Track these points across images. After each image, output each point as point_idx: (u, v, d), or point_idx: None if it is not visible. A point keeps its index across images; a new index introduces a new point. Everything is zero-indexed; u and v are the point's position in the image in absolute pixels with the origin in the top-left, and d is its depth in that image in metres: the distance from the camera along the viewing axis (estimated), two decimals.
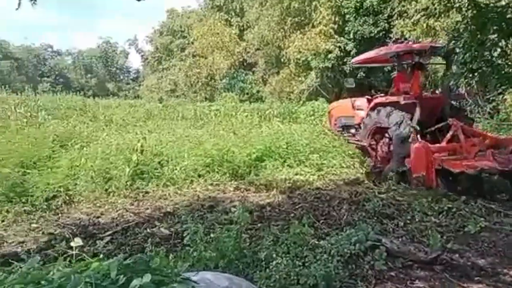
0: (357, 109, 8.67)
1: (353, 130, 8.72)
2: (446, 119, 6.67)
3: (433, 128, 6.87)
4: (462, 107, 7.67)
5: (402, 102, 6.97)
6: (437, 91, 8.54)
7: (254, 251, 3.43)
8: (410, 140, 6.41)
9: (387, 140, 7.35)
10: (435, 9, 6.88)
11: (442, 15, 7.39)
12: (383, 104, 7.37)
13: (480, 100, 12.47)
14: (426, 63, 7.86)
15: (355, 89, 9.43)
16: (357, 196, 5.46)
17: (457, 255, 3.48)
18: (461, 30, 6.33)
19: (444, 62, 7.79)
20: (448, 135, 6.26)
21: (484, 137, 6.39)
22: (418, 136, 6.44)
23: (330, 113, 10.20)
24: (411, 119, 6.72)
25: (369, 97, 8.34)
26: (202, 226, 3.70)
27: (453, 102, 7.44)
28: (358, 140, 8.09)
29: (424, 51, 7.41)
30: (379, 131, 7.54)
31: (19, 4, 3.75)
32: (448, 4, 6.49)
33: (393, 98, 7.32)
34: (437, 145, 6.15)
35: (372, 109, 7.64)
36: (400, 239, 3.85)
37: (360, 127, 8.26)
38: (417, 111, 6.81)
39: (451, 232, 4.16)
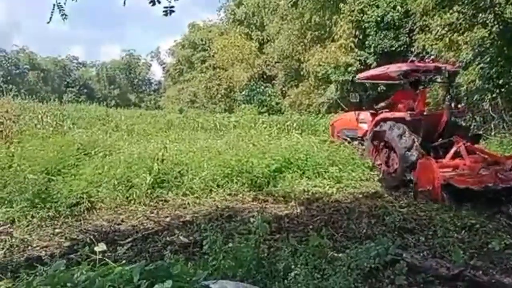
0: (361, 122, 8.98)
1: (356, 142, 8.93)
2: (448, 135, 7.07)
3: (436, 144, 7.22)
4: (463, 125, 8.09)
5: (408, 119, 7.26)
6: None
7: (272, 262, 3.42)
8: (414, 151, 6.80)
9: (391, 151, 7.53)
10: (460, 24, 6.86)
11: (467, 30, 7.40)
12: (389, 119, 7.61)
13: (505, 116, 12.18)
14: (430, 82, 8.43)
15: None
16: (377, 210, 5.38)
17: (480, 272, 3.37)
18: (487, 45, 6.28)
19: (447, 82, 8.17)
20: (452, 152, 6.57)
21: (484, 154, 6.70)
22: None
23: (332, 125, 10.55)
24: (412, 131, 7.06)
25: (373, 112, 8.65)
26: (220, 235, 3.72)
27: (456, 119, 7.72)
28: (361, 154, 8.32)
29: (429, 70, 7.79)
30: (383, 144, 7.75)
31: (50, 18, 3.91)
32: (474, 20, 6.46)
33: (399, 114, 7.62)
34: (442, 160, 6.44)
35: (377, 123, 7.89)
36: (421, 254, 3.77)
37: (363, 140, 8.55)
38: (422, 128, 7.19)
39: (474, 248, 4.05)
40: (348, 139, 9.00)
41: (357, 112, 9.22)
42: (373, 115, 8.45)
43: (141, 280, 1.98)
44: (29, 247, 4.34)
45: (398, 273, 3.32)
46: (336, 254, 3.66)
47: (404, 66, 7.92)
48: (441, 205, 5.46)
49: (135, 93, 54.38)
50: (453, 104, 7.91)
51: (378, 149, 7.89)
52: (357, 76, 10.34)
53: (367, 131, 8.40)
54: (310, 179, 7.08)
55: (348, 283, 2.99)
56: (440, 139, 7.28)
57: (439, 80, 8.96)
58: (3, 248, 4.25)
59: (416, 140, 6.92)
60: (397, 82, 8.75)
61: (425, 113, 7.75)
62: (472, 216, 4.95)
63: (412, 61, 8.01)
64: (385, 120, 7.70)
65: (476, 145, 7.23)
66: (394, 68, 8.12)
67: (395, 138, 7.13)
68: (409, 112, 7.47)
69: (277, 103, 24.51)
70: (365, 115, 8.91)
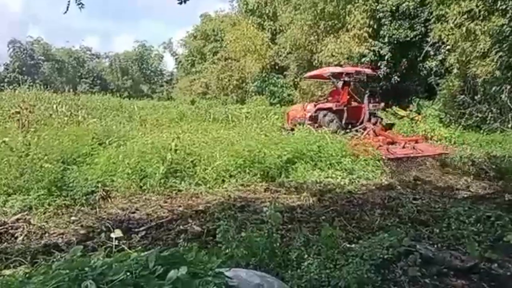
0: (308, 112, 11.93)
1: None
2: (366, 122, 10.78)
3: (356, 128, 10.39)
4: (377, 114, 11.61)
5: (334, 108, 10.91)
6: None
7: (285, 251, 3.44)
8: (333, 124, 10.27)
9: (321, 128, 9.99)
10: (479, 11, 6.72)
11: (485, 19, 7.23)
12: (322, 109, 11.21)
13: None
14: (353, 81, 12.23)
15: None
16: (390, 202, 5.36)
17: (496, 265, 3.34)
18: (506, 33, 6.12)
19: (366, 82, 12.34)
20: (365, 133, 9.91)
21: (387, 137, 9.94)
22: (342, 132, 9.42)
23: (288, 114, 13.48)
24: (339, 120, 10.72)
25: (315, 103, 12.23)
26: (233, 224, 3.74)
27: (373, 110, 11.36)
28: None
29: (351, 73, 11.41)
30: (316, 124, 10.59)
31: (67, 8, 3.92)
32: (493, 6, 6.30)
33: (329, 105, 11.25)
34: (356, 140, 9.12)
35: (315, 112, 11.36)
36: (435, 246, 3.75)
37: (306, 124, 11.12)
38: (344, 115, 10.85)
39: (489, 241, 3.99)
40: (300, 125, 11.03)
41: (305, 104, 12.86)
42: (315, 106, 11.84)
43: (156, 266, 2.01)
44: (46, 234, 4.43)
45: (411, 265, 3.30)
46: (348, 245, 3.67)
47: (331, 69, 12.05)
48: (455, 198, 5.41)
49: (148, 84, 54.58)
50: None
51: (314, 127, 9.99)
52: (304, 76, 14.59)
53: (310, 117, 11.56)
54: (322, 170, 7.06)
55: (361, 273, 2.99)
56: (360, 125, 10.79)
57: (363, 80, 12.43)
58: (21, 235, 4.34)
59: (335, 119, 10.49)
60: (327, 80, 12.48)
61: (348, 105, 11.13)
62: (488, 209, 4.88)
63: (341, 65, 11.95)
64: (319, 109, 11.22)
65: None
66: (326, 70, 11.93)
67: (321, 118, 10.79)
68: (335, 103, 10.99)
69: (289, 94, 24.39)
70: (310, 105, 12.17)
